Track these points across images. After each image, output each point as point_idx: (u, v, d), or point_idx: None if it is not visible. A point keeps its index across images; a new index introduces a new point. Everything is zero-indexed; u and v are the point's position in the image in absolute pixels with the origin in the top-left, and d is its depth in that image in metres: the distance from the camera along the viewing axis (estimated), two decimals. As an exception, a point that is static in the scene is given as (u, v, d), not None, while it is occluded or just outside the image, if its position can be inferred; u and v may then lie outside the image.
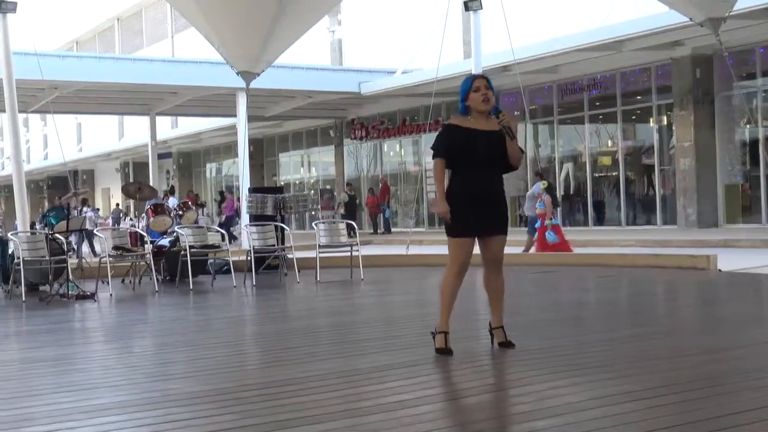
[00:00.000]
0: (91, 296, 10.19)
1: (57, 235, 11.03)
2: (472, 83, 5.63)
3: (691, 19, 12.23)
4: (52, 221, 11.87)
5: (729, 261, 11.58)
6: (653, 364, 5.17)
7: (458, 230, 5.57)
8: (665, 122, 21.77)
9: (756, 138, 19.91)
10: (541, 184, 15.10)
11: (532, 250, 15.06)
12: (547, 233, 14.59)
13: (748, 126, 20.20)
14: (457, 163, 5.59)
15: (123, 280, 12.31)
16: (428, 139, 27.53)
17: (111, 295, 10.61)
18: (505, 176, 5.74)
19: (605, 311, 8.25)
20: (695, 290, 9.70)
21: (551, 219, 14.73)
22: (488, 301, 5.75)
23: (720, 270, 10.92)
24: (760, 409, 3.97)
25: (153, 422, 4.18)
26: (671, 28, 17.14)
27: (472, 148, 5.53)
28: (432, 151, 5.67)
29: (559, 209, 14.54)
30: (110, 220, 34.45)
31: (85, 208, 24.41)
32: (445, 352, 5.51)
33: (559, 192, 24.42)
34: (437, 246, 19.58)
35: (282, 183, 33.84)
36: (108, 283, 10.90)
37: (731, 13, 11.96)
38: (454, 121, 5.74)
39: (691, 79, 20.11)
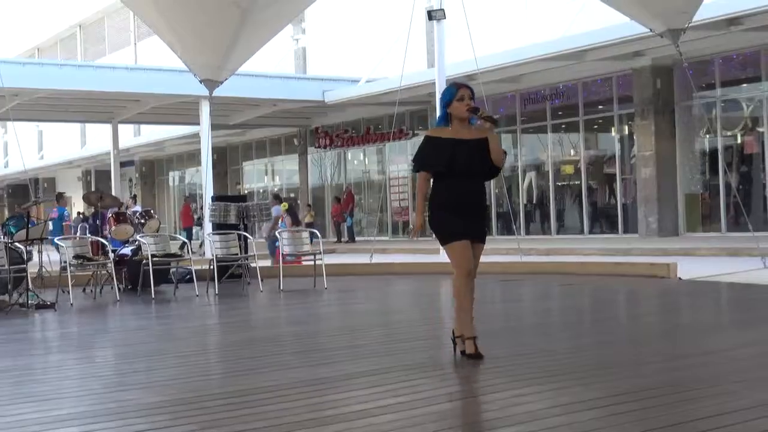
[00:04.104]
0: (51, 306, 10.05)
1: (17, 244, 10.88)
2: (457, 91, 5.65)
3: (651, 30, 12.37)
4: (12, 230, 11.70)
5: (689, 269, 11.69)
6: (615, 372, 5.20)
7: (448, 236, 5.57)
8: (626, 132, 21.98)
9: (715, 147, 20.15)
10: (281, 207, 15.62)
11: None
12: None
13: (707, 136, 20.45)
14: (438, 174, 5.61)
15: (84, 290, 12.17)
16: (392, 147, 27.57)
17: (71, 304, 10.48)
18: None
19: (567, 319, 8.29)
20: (656, 298, 9.78)
21: None
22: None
23: (680, 278, 11.02)
24: (721, 415, 4.00)
25: (109, 433, 4.12)
26: (632, 38, 17.31)
27: (452, 158, 5.53)
28: (414, 164, 5.72)
29: (302, 227, 15.10)
30: (72, 229, 34.03)
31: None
32: (476, 356, 5.48)
33: (522, 200, 24.59)
34: (401, 254, 19.61)
35: (246, 191, 33.68)
36: (69, 292, 10.77)
37: (690, 25, 12.10)
38: (433, 133, 5.75)
39: (651, 89, 20.33)
